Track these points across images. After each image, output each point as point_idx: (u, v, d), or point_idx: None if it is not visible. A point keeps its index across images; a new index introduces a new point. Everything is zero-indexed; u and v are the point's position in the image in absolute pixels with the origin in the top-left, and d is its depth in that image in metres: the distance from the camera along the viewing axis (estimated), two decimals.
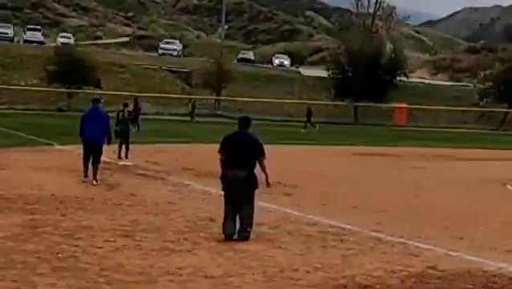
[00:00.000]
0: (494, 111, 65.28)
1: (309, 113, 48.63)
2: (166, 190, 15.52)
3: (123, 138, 21.48)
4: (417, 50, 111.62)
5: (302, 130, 45.07)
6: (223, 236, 10.20)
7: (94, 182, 15.75)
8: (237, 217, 10.32)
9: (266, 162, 10.46)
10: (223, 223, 10.35)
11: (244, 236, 10.18)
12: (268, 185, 10.57)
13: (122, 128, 21.27)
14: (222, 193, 10.59)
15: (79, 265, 8.43)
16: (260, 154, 10.41)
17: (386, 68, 64.37)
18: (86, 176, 16.05)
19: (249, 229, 10.26)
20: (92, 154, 16.00)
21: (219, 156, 10.56)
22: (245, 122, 10.63)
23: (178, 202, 13.82)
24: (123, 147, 21.50)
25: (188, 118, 52.66)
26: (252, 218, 10.33)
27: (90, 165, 16.08)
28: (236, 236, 10.18)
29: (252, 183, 10.28)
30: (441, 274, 8.78)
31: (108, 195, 14.17)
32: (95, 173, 15.96)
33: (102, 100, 17.87)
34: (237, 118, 10.92)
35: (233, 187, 10.25)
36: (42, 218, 11.24)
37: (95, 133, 15.95)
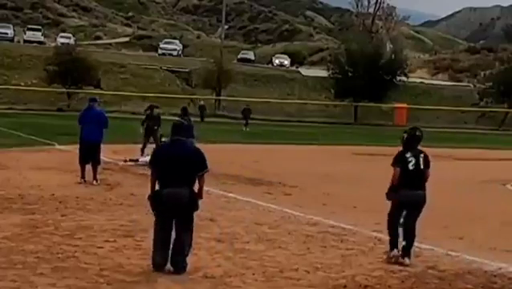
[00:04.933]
0: (494, 111, 65.31)
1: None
2: None
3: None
4: (417, 50, 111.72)
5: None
6: (151, 267, 8.36)
7: (94, 182, 15.72)
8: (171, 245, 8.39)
9: (204, 177, 8.50)
10: (153, 252, 8.42)
11: (181, 267, 8.29)
12: (200, 197, 8.50)
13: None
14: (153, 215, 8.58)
15: (79, 265, 8.43)
16: (201, 168, 8.43)
17: (386, 68, 64.34)
18: (83, 177, 15.90)
19: (186, 260, 8.38)
20: (90, 154, 15.98)
21: (150, 172, 8.63)
22: (180, 128, 8.55)
23: None
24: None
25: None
26: (190, 246, 8.49)
27: (88, 167, 16.01)
28: (171, 268, 8.32)
29: (193, 204, 8.37)
30: (441, 274, 8.78)
31: (108, 195, 14.16)
32: (94, 173, 15.93)
33: (99, 100, 17.84)
34: (172, 124, 8.65)
35: (169, 209, 8.27)
36: (42, 218, 11.22)
37: (91, 133, 15.95)
